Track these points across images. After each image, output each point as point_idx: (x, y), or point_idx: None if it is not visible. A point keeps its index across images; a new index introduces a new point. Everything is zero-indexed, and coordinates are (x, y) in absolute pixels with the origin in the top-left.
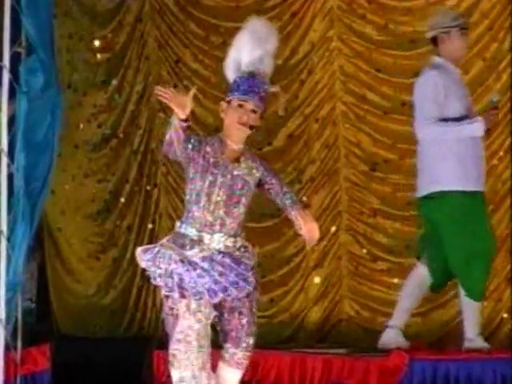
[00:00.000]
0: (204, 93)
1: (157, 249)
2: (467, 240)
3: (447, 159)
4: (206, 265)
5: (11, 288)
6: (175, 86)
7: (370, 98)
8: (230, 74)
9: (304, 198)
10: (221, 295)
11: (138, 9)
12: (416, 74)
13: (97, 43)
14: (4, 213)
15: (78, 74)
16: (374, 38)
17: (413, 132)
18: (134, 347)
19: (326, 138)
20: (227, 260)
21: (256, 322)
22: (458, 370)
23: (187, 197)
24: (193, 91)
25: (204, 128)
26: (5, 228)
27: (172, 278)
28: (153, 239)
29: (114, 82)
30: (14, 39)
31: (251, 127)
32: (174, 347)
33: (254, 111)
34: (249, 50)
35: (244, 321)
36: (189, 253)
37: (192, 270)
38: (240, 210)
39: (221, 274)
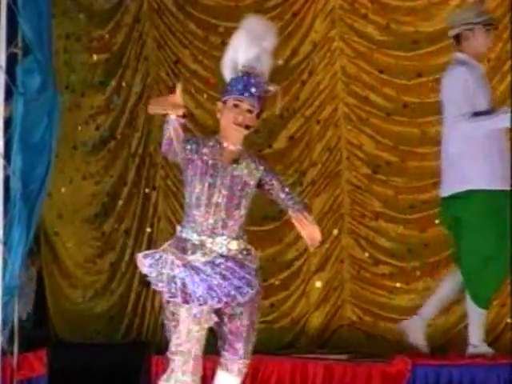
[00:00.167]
0: (203, 94)
1: (158, 254)
2: (488, 243)
3: (475, 157)
4: (208, 269)
5: (7, 292)
6: (174, 87)
7: (373, 100)
8: (228, 74)
9: (305, 201)
10: (225, 300)
11: (137, 9)
12: (419, 75)
13: (94, 43)
14: (0, 216)
15: (75, 75)
16: (376, 38)
17: (416, 133)
18: (132, 353)
19: (328, 140)
20: (230, 264)
21: (257, 328)
22: (461, 375)
23: (187, 200)
24: (180, 86)
25: (203, 130)
26: (1, 231)
27: (175, 283)
28: (151, 243)
29: (113, 83)
30: (11, 40)
31: (247, 127)
32: (173, 352)
33: (249, 111)
34: (245, 48)
35: (244, 327)
36: (191, 257)
37: (195, 275)
38: (241, 212)
39: (224, 278)
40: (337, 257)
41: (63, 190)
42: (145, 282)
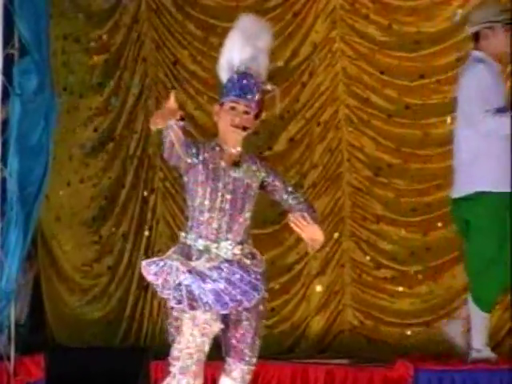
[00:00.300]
0: (203, 95)
1: (162, 261)
2: (492, 245)
3: (487, 159)
4: (214, 274)
5: (4, 297)
6: (173, 88)
7: (374, 101)
8: (224, 76)
9: (310, 201)
10: (231, 305)
11: (135, 9)
12: (421, 76)
13: (92, 44)
14: None
15: (73, 76)
16: (378, 38)
17: (418, 135)
18: (131, 358)
19: (329, 142)
20: (236, 269)
21: (262, 334)
22: (463, 380)
23: (189, 206)
24: (173, 94)
25: (203, 131)
26: None
27: (180, 289)
28: (149, 246)
29: (111, 85)
30: (7, 40)
31: (245, 128)
32: (174, 357)
33: (246, 112)
34: (239, 48)
35: (249, 333)
36: (196, 263)
37: (201, 281)
38: (245, 215)
39: (230, 284)
40: (338, 260)
41: (61, 192)
42: (143, 285)
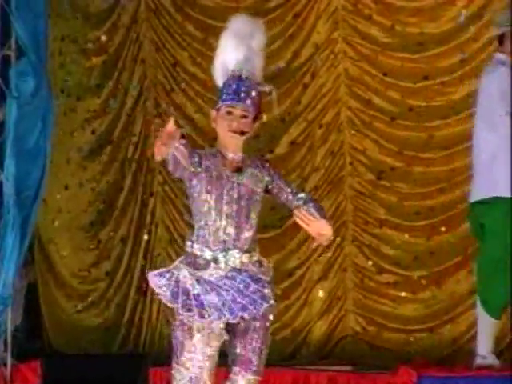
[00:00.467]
0: (203, 97)
1: (169, 272)
2: (504, 249)
3: (506, 161)
4: (222, 284)
5: (1, 302)
6: (172, 90)
7: (377, 103)
8: (219, 79)
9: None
10: (240, 314)
11: (134, 9)
12: (424, 78)
13: (90, 45)
14: None
15: (71, 78)
16: (381, 39)
17: (421, 138)
18: (129, 364)
19: (331, 145)
20: (244, 277)
21: (269, 344)
22: None
23: (194, 215)
24: (172, 120)
25: (203, 134)
26: None
27: (189, 299)
28: (148, 251)
29: (109, 86)
30: (4, 41)
31: (243, 133)
32: (179, 366)
33: (244, 116)
34: (233, 50)
35: (257, 343)
36: (204, 272)
37: (209, 290)
38: (251, 222)
39: (238, 293)
40: (340, 265)
41: (58, 196)
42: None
